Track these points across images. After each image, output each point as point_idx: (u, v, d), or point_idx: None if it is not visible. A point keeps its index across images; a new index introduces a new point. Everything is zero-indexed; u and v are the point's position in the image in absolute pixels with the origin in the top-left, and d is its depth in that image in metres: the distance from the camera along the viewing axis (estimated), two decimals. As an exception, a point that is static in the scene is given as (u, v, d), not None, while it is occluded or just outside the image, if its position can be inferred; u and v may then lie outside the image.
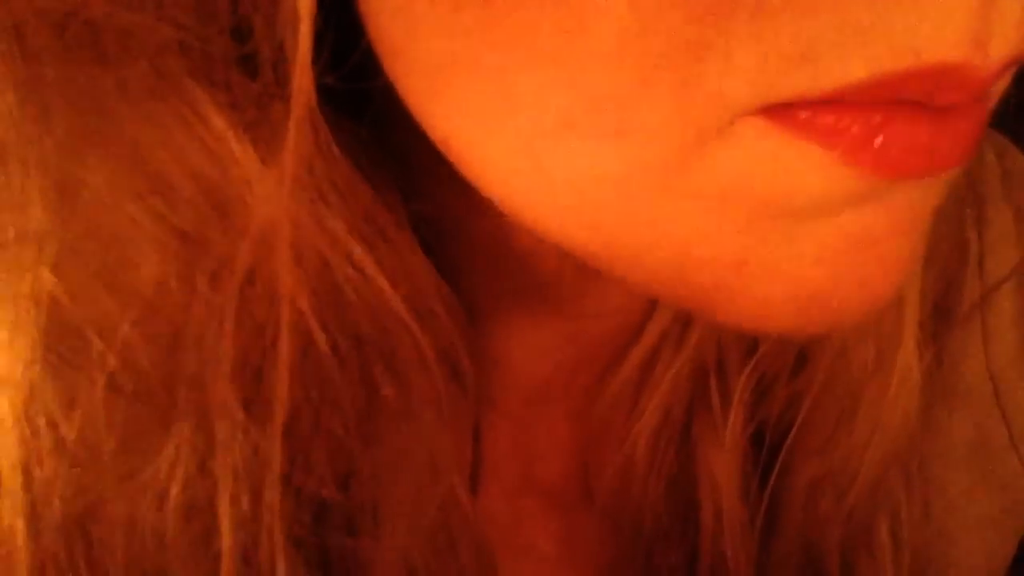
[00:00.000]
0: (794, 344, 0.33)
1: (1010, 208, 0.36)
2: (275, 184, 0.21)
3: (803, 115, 0.17)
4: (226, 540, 0.23)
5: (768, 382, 0.34)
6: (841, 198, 0.19)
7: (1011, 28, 0.17)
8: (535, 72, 0.17)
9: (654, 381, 0.33)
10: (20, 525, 0.22)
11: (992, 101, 0.20)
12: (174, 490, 0.22)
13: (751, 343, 0.34)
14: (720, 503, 0.33)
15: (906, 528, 0.35)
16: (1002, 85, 0.20)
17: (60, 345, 0.21)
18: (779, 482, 0.34)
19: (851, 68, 0.17)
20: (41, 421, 0.21)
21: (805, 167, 0.18)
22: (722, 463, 0.33)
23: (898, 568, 0.35)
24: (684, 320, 0.32)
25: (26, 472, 0.22)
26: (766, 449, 0.34)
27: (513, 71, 0.17)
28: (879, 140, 0.18)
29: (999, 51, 0.17)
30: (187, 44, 0.20)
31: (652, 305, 0.32)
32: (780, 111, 0.17)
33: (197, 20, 0.20)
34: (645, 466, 0.33)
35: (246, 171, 0.21)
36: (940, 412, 0.36)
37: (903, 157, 0.18)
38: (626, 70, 0.17)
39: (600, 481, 0.34)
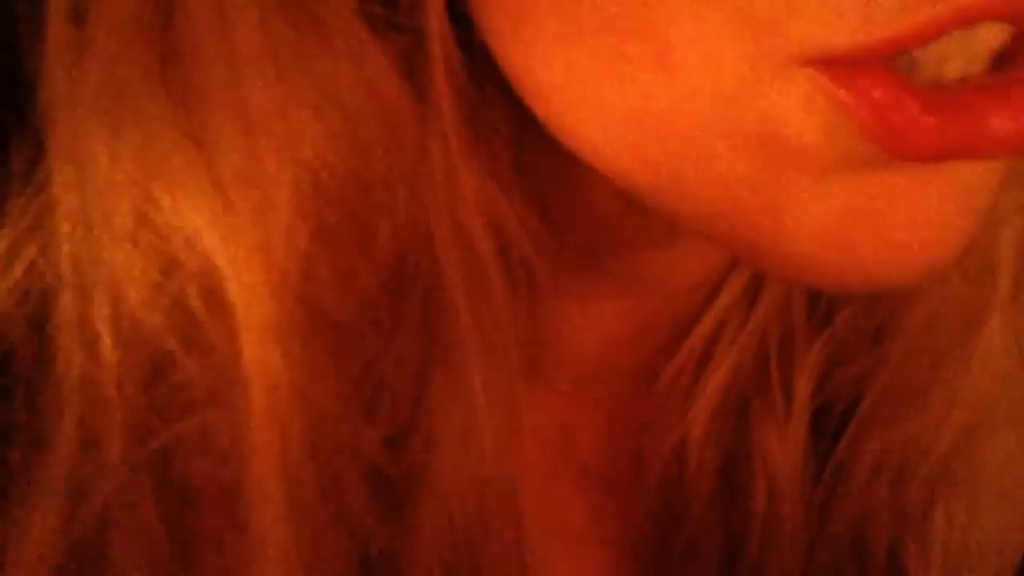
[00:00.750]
0: (873, 316, 0.32)
1: None
2: (427, 119, 0.22)
3: (859, 73, 0.17)
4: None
5: (842, 355, 0.33)
6: (876, 162, 0.18)
7: None
8: (597, 5, 0.18)
9: (715, 362, 0.32)
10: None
11: None
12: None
13: (824, 316, 0.33)
14: (775, 483, 0.33)
15: (962, 514, 0.35)
16: None
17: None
18: (842, 459, 0.33)
19: (913, 10, 0.16)
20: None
21: (837, 129, 0.18)
22: (779, 442, 0.32)
23: (945, 554, 0.35)
24: (748, 301, 0.32)
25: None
26: (832, 425, 0.33)
27: (578, 4, 0.18)
28: (912, 132, 0.18)
29: None
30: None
31: (713, 288, 0.32)
32: (835, 65, 0.18)
33: None
34: (700, 447, 0.32)
35: (406, 106, 0.22)
36: None
37: (929, 148, 0.18)
38: (683, 7, 0.17)
39: (653, 462, 0.33)
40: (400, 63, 0.22)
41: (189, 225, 0.22)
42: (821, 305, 0.33)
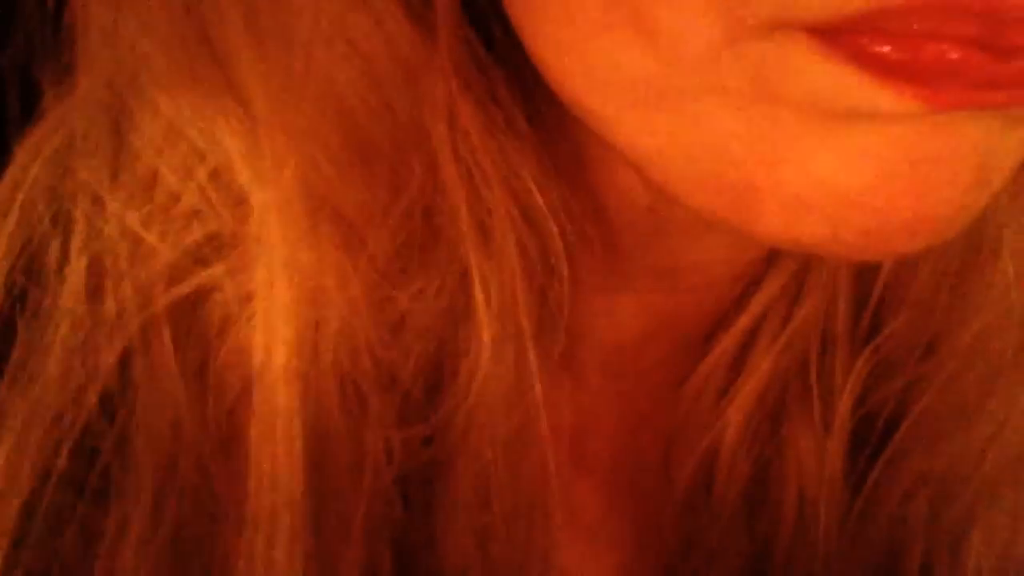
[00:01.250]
0: (925, 329, 0.31)
1: None
2: (435, 67, 0.23)
3: (843, 37, 0.17)
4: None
5: (889, 366, 0.31)
6: (886, 112, 0.17)
7: None
8: None
9: (751, 366, 0.31)
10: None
11: None
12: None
13: (870, 326, 0.31)
14: (806, 494, 0.32)
15: (1001, 537, 0.33)
16: None
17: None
18: (881, 475, 0.32)
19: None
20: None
21: (842, 78, 0.17)
22: (814, 453, 0.31)
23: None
24: (787, 303, 0.31)
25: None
26: (873, 439, 0.32)
27: None
28: (920, 67, 0.17)
29: None
30: None
31: (748, 286, 0.31)
32: (816, 31, 0.17)
33: None
34: (732, 454, 0.31)
35: (417, 55, 0.23)
36: None
37: (951, 90, 0.17)
38: None
39: (681, 467, 0.32)
40: (413, 18, 0.23)
41: (220, 148, 0.23)
42: (867, 314, 0.32)
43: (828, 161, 0.18)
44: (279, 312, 0.23)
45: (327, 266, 0.24)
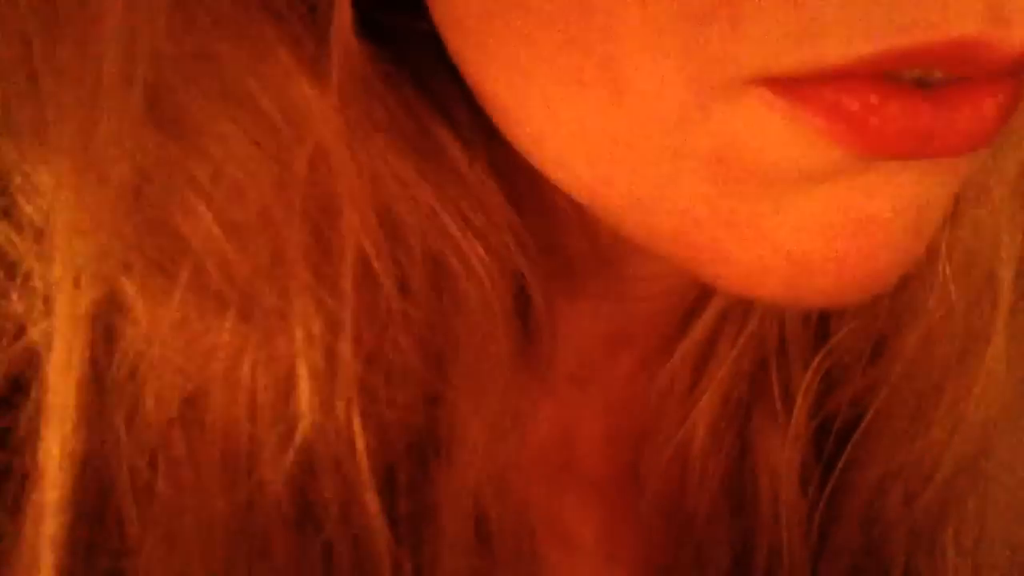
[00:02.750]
0: (872, 333, 0.32)
1: None
2: (328, 109, 0.22)
3: (806, 90, 0.18)
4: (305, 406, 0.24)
5: (841, 370, 0.33)
6: (833, 171, 0.19)
7: None
8: (553, 31, 0.18)
9: (712, 369, 0.32)
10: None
11: None
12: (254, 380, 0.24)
13: (822, 329, 0.33)
14: (779, 495, 0.32)
15: (972, 537, 0.34)
16: None
17: (154, 246, 0.23)
18: (844, 477, 0.33)
19: (856, 44, 0.17)
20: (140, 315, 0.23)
21: (795, 138, 0.18)
22: (783, 454, 0.32)
23: (958, 571, 0.34)
24: (743, 307, 0.32)
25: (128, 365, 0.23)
26: (832, 441, 0.33)
27: (535, 29, 0.19)
28: (874, 120, 0.18)
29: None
30: None
31: (703, 292, 0.32)
32: (784, 84, 0.18)
33: None
34: (703, 455, 0.32)
35: (306, 98, 0.22)
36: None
37: (897, 138, 0.18)
38: (632, 34, 0.18)
39: (652, 470, 0.33)
40: (307, 60, 0.22)
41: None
42: (815, 319, 0.33)
43: (784, 228, 0.20)
44: (67, 350, 0.23)
45: (129, 302, 0.23)
